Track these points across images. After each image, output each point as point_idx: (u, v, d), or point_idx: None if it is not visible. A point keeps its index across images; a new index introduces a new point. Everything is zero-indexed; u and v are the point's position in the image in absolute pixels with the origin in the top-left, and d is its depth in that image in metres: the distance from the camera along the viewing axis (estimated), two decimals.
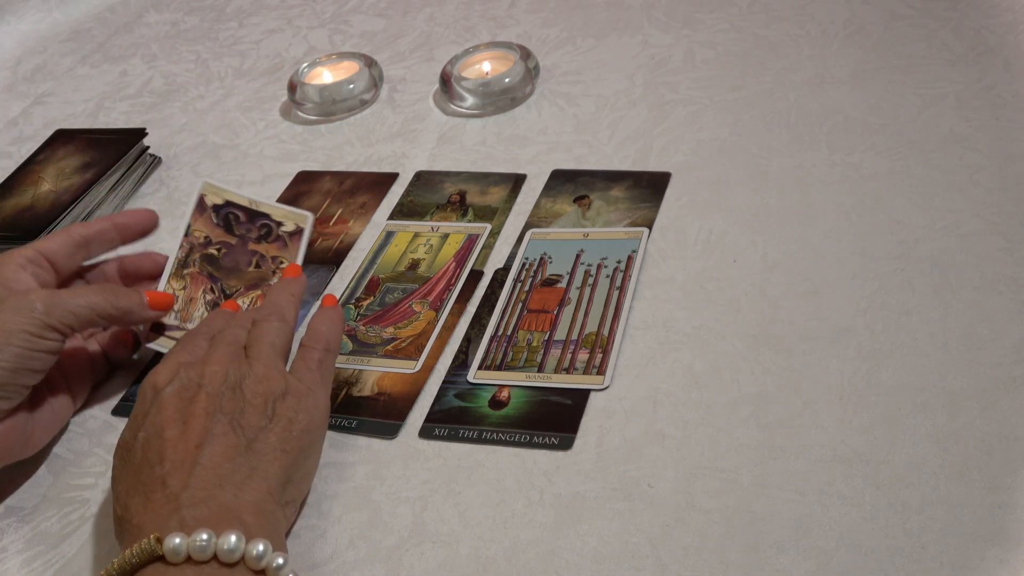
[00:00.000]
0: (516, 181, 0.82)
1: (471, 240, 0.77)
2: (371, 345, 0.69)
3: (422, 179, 0.84)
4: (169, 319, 0.69)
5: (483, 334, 0.68)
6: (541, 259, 0.73)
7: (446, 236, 0.77)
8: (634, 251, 0.72)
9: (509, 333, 0.68)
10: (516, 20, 1.04)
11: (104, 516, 0.62)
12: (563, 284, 0.71)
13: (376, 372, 0.67)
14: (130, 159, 0.90)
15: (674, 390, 0.62)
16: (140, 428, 0.57)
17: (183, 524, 0.51)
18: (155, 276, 0.72)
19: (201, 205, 0.74)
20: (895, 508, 0.53)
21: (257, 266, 0.74)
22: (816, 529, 0.52)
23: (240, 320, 0.63)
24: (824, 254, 0.68)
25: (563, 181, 0.80)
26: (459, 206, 0.80)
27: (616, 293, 0.69)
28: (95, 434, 0.67)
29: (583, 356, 0.65)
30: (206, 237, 0.73)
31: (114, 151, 0.90)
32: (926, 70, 0.83)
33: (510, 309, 0.70)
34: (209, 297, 0.71)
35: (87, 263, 0.71)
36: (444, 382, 0.66)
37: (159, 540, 0.50)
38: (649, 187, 0.78)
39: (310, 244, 0.77)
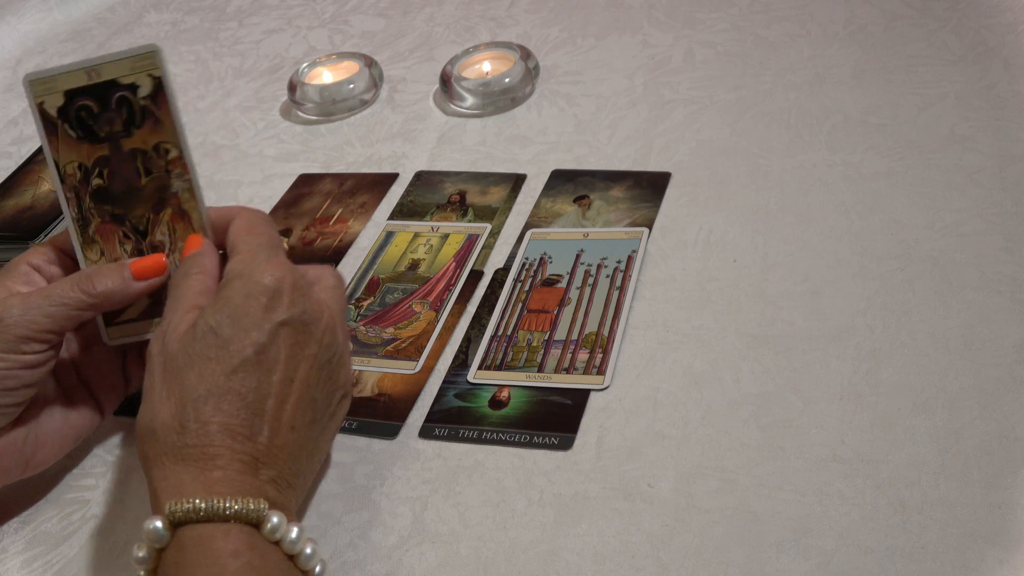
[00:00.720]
0: (516, 181, 0.82)
1: (471, 240, 0.77)
2: (371, 346, 0.69)
3: (422, 179, 0.84)
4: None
5: (483, 334, 0.68)
6: (541, 259, 0.73)
7: (446, 236, 0.77)
8: (634, 251, 0.72)
9: (509, 333, 0.68)
10: (516, 20, 1.04)
11: (104, 516, 0.62)
12: (563, 284, 0.71)
13: (376, 373, 0.67)
14: None
15: (674, 390, 0.62)
16: (246, 334, 0.52)
17: (262, 490, 0.49)
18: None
19: (47, 120, 0.60)
20: (895, 508, 0.53)
21: (148, 172, 0.61)
22: (816, 529, 0.52)
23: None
24: (824, 254, 0.68)
25: (563, 181, 0.80)
26: (459, 206, 0.80)
27: (616, 293, 0.69)
28: (95, 434, 0.67)
29: (583, 356, 0.65)
30: (79, 165, 0.61)
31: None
32: (926, 70, 0.83)
33: (510, 309, 0.70)
34: (129, 246, 0.62)
35: None
36: (444, 382, 0.66)
37: (267, 507, 0.48)
38: (649, 187, 0.78)
39: (301, 244, 0.76)
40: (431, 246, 0.77)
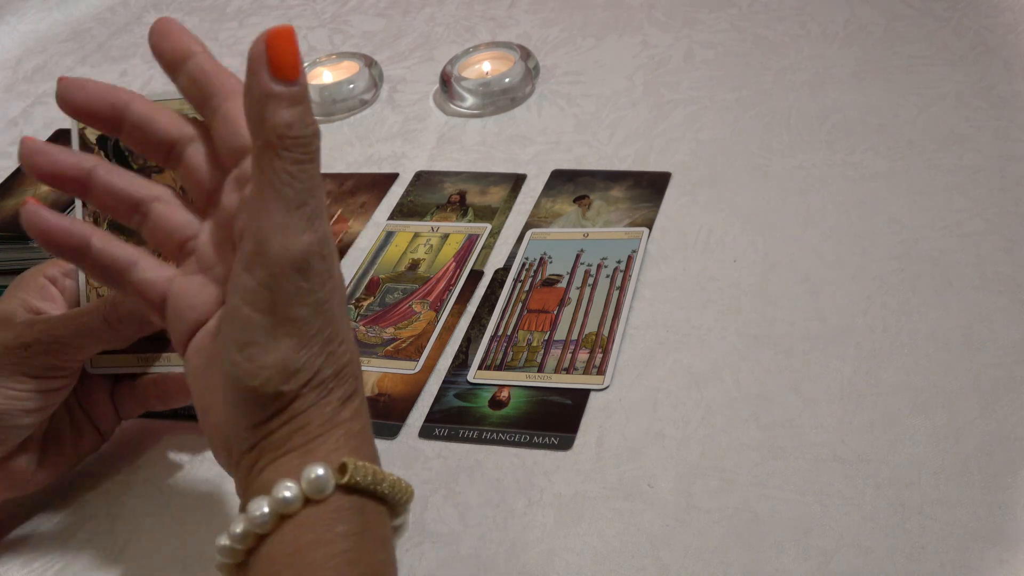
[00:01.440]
0: (516, 181, 0.82)
1: (471, 240, 0.77)
2: (371, 346, 0.69)
3: (422, 179, 0.84)
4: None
5: (483, 334, 0.68)
6: (541, 259, 0.73)
7: (446, 236, 0.77)
8: (634, 251, 0.72)
9: (509, 333, 0.68)
10: (516, 20, 1.04)
11: (104, 516, 0.62)
12: (563, 284, 0.71)
13: (376, 373, 0.67)
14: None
15: (674, 390, 0.62)
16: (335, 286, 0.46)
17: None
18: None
19: (85, 146, 0.60)
20: (895, 508, 0.53)
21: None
22: (816, 529, 0.52)
23: None
24: (824, 254, 0.68)
25: (563, 181, 0.80)
26: (459, 206, 0.80)
27: (616, 293, 0.69)
28: None
29: (583, 356, 0.65)
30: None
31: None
32: (926, 70, 0.83)
33: (510, 309, 0.70)
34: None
35: None
36: (444, 382, 0.66)
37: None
38: (649, 187, 0.78)
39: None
40: (431, 246, 0.77)
